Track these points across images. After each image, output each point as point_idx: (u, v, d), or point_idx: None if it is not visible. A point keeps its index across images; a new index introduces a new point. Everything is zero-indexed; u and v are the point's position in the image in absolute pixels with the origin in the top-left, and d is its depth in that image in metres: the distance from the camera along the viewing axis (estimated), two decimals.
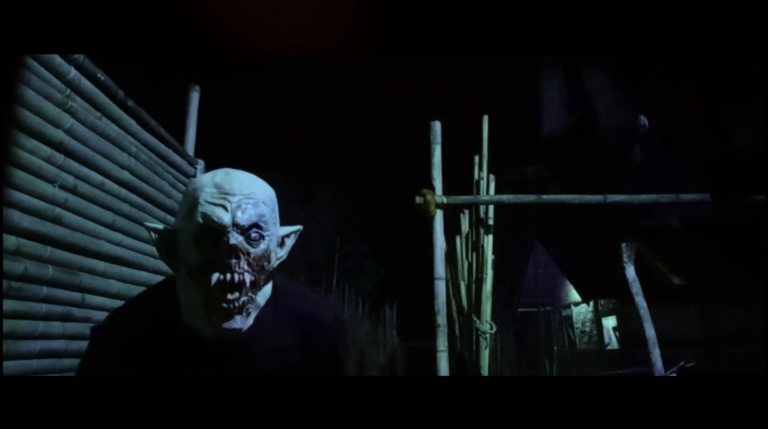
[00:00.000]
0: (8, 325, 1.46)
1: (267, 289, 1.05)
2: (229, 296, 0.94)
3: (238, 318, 0.96)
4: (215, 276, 0.93)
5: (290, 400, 0.73)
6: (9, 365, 1.47)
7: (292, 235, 1.12)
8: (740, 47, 1.12)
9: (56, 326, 1.69)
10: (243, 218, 0.96)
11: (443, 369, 3.16)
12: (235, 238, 0.95)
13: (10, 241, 1.48)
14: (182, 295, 1.02)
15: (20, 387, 0.73)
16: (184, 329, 1.01)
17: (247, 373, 0.98)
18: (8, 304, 1.46)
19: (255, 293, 0.99)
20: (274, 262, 1.05)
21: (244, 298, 0.96)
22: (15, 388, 0.72)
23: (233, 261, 0.94)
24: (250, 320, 1.01)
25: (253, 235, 0.98)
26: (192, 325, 1.01)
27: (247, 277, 0.96)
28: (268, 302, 1.06)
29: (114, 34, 0.98)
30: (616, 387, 0.82)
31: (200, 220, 0.95)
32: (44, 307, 1.63)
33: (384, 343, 13.57)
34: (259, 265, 0.99)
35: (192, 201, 0.98)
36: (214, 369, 0.98)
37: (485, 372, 3.47)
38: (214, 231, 0.95)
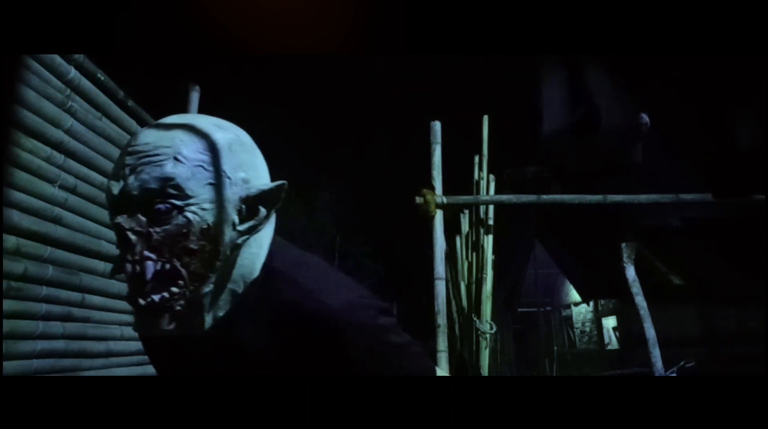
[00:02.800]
0: (8, 325, 1.47)
1: (250, 269, 0.79)
2: (133, 292, 0.72)
3: (162, 318, 0.73)
4: (128, 265, 0.71)
5: (288, 400, 0.73)
6: (9, 365, 1.47)
7: (272, 197, 0.80)
8: (740, 47, 1.13)
9: (56, 326, 1.69)
10: (133, 185, 0.71)
11: (443, 369, 3.17)
12: (122, 217, 0.71)
13: (10, 241, 1.48)
14: None
15: (20, 387, 0.73)
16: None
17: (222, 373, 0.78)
18: (8, 304, 1.46)
19: (192, 285, 0.73)
20: (231, 238, 0.75)
21: (161, 295, 0.71)
22: (15, 388, 0.72)
23: (126, 246, 0.71)
24: (209, 318, 0.76)
25: (159, 206, 0.71)
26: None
27: (149, 267, 0.70)
28: (254, 283, 0.79)
29: (114, 34, 0.97)
30: (616, 387, 0.82)
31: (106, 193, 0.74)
32: (44, 307, 1.63)
33: None
34: (175, 247, 0.71)
35: (116, 163, 0.77)
36: (205, 358, 0.79)
37: (485, 372, 3.47)
38: (112, 208, 0.73)
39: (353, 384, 0.77)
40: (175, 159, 0.72)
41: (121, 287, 2.09)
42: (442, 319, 3.26)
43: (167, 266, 0.71)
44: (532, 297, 13.98)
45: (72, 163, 1.77)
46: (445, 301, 3.33)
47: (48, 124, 1.63)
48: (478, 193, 3.73)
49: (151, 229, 0.71)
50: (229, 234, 0.75)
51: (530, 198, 3.76)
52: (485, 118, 3.81)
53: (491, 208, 3.72)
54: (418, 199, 3.39)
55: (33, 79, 1.57)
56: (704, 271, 12.10)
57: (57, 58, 1.67)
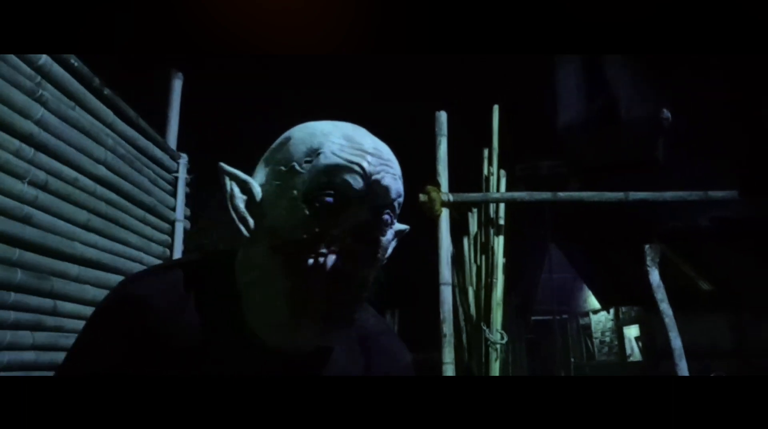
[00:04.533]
0: None
1: None
2: (342, 296, 0.73)
3: (334, 330, 0.75)
4: (331, 259, 0.71)
5: (289, 401, 0.74)
6: None
7: (396, 238, 0.87)
8: (740, 47, 1.16)
9: (25, 336, 1.70)
10: (382, 189, 0.75)
11: None
12: (367, 213, 0.74)
13: None
14: (251, 278, 0.79)
15: (20, 387, 0.74)
16: (237, 329, 0.79)
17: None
18: None
19: (363, 301, 0.78)
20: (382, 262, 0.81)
21: (362, 296, 0.76)
22: (14, 388, 0.74)
23: (362, 244, 0.73)
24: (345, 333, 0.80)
25: (386, 217, 0.76)
26: (256, 325, 0.79)
27: (370, 274, 0.76)
28: None
29: (114, 34, 1.00)
30: (616, 387, 0.84)
31: (325, 176, 0.73)
32: (12, 315, 1.63)
33: None
34: (380, 258, 0.77)
35: (307, 149, 0.76)
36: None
37: None
38: (341, 195, 0.73)
39: (354, 384, 0.79)
40: (401, 178, 0.79)
41: (97, 293, 2.09)
42: (448, 329, 3.26)
43: (368, 274, 0.76)
44: (547, 304, 14.01)
45: (43, 157, 1.77)
46: (451, 308, 3.33)
47: (16, 115, 1.63)
48: (487, 190, 3.73)
49: (379, 235, 0.76)
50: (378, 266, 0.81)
51: (545, 195, 3.76)
52: (495, 107, 3.81)
53: (502, 206, 3.72)
54: (422, 197, 3.39)
55: (0, 65, 1.57)
56: (736, 276, 12.11)
57: None
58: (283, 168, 0.77)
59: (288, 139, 0.80)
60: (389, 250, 0.83)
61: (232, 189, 0.79)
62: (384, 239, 0.77)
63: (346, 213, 0.73)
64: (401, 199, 0.79)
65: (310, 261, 0.72)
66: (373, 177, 0.74)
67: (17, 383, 0.80)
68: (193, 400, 0.74)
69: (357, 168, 0.74)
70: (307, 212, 0.73)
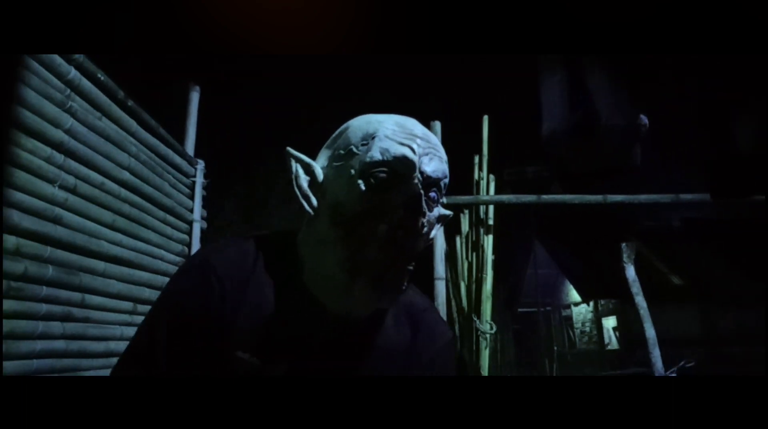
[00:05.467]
0: (8, 325, 1.47)
1: None
2: (390, 261, 0.74)
3: (387, 293, 0.77)
4: (384, 229, 0.73)
5: (290, 400, 0.73)
6: (9, 365, 1.47)
7: (440, 223, 0.88)
8: (740, 47, 1.13)
9: (56, 326, 1.69)
10: (430, 168, 0.77)
11: None
12: (420, 188, 0.76)
13: (10, 241, 1.48)
14: (313, 249, 0.81)
15: (20, 387, 0.73)
16: (301, 295, 0.81)
17: (345, 360, 0.81)
18: (8, 304, 1.46)
19: (411, 272, 0.79)
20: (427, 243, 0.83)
21: (409, 268, 0.77)
22: (15, 388, 0.72)
23: (417, 215, 0.74)
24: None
25: (433, 194, 0.79)
26: (316, 290, 0.81)
27: (419, 245, 0.77)
28: None
29: (114, 34, 0.97)
30: (616, 387, 0.82)
31: (379, 154, 0.76)
32: (44, 307, 1.63)
33: None
34: (428, 233, 0.79)
35: (364, 134, 0.79)
36: (317, 349, 0.80)
37: (485, 372, 3.47)
38: (395, 172, 0.76)
39: (352, 384, 0.77)
40: (446, 163, 0.82)
41: (121, 287, 2.09)
42: None
43: (418, 248, 0.77)
44: (532, 297, 13.98)
45: (72, 163, 1.77)
46: (444, 301, 3.33)
47: (48, 124, 1.63)
48: (478, 193, 3.73)
49: (426, 211, 0.77)
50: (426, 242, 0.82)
51: (530, 198, 3.76)
52: (485, 118, 3.81)
53: (491, 208, 3.71)
54: None
55: (33, 79, 1.57)
56: (704, 271, 12.10)
57: (57, 58, 1.67)
58: (342, 151, 0.81)
59: (347, 127, 0.84)
60: (434, 232, 0.84)
61: (296, 170, 0.83)
62: (431, 215, 0.78)
63: (398, 188, 0.75)
64: (446, 181, 0.81)
65: (366, 231, 0.74)
66: (422, 157, 0.77)
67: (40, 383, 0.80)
68: (194, 400, 0.73)
69: (408, 149, 0.77)
70: (363, 188, 0.76)
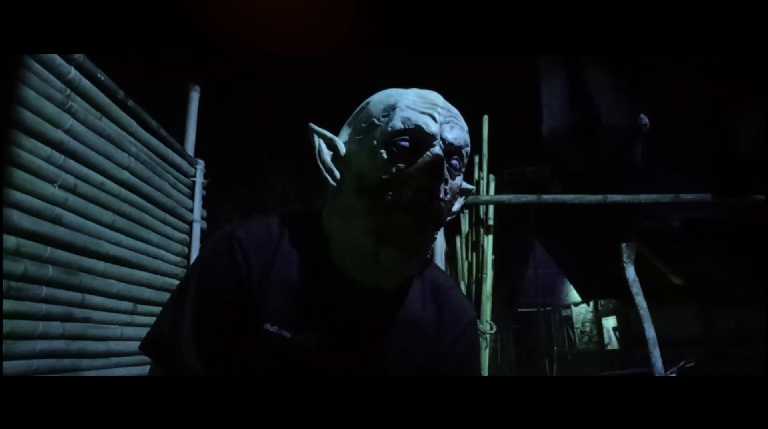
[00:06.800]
0: (8, 325, 1.47)
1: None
2: (416, 226, 0.75)
3: (414, 258, 0.77)
4: (408, 194, 0.74)
5: (290, 400, 0.73)
6: (9, 365, 1.47)
7: (463, 197, 0.89)
8: (740, 47, 1.13)
9: (56, 326, 1.69)
10: (451, 136, 0.78)
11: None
12: (441, 151, 0.77)
13: (10, 241, 1.48)
14: (338, 222, 0.82)
15: (20, 387, 0.73)
16: (327, 268, 0.82)
17: (373, 335, 0.81)
18: (8, 304, 1.46)
19: (435, 239, 0.80)
20: (450, 215, 0.84)
21: (434, 235, 0.78)
22: (15, 388, 0.72)
23: (438, 180, 0.75)
24: (414, 278, 0.84)
25: (455, 162, 0.80)
26: (342, 262, 0.81)
27: (444, 208, 0.77)
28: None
29: (114, 34, 0.97)
30: (616, 387, 0.81)
31: (400, 124, 0.77)
32: (44, 307, 1.63)
33: None
34: (450, 201, 0.80)
35: (384, 106, 0.81)
36: (346, 323, 0.80)
37: (485, 372, 3.47)
38: (416, 140, 0.77)
39: (352, 384, 0.77)
40: (468, 133, 0.83)
41: (121, 287, 2.09)
42: None
43: (442, 214, 0.78)
44: (532, 297, 13.98)
45: (72, 163, 1.77)
46: None
47: (48, 124, 1.63)
48: (478, 193, 3.73)
49: (449, 178, 0.78)
50: (452, 208, 0.83)
51: (530, 198, 3.76)
52: (485, 118, 3.81)
53: (491, 208, 3.71)
54: None
55: (33, 79, 1.57)
56: (704, 271, 12.09)
57: (57, 58, 1.67)
58: (363, 124, 0.83)
59: (368, 102, 0.86)
60: (457, 205, 0.86)
61: (320, 145, 0.85)
62: (453, 184, 0.80)
63: (420, 155, 0.76)
64: (468, 149, 0.82)
65: (390, 197, 0.75)
66: (443, 125, 0.79)
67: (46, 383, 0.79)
68: (196, 400, 0.73)
69: (429, 117, 0.78)
70: (386, 156, 0.77)
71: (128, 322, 2.14)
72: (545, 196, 3.78)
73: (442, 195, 0.76)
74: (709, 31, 1.11)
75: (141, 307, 2.23)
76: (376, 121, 0.81)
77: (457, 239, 3.81)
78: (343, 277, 0.81)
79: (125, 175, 2.12)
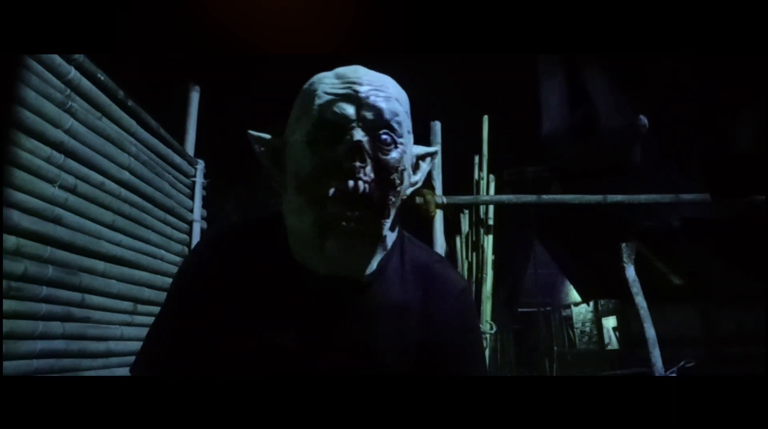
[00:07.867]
0: (8, 325, 1.47)
1: (394, 233, 0.86)
2: (350, 212, 0.73)
3: (358, 244, 0.76)
4: (342, 183, 0.73)
5: (287, 399, 0.73)
6: (9, 365, 1.47)
7: (428, 159, 0.88)
8: (740, 47, 1.12)
9: (56, 326, 1.69)
10: (371, 113, 0.76)
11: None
12: (361, 135, 0.74)
13: (10, 241, 1.48)
14: (290, 220, 0.82)
15: (20, 387, 0.73)
16: (292, 266, 0.82)
17: (355, 326, 0.81)
18: (8, 304, 1.46)
19: (382, 220, 0.77)
20: (407, 186, 0.82)
21: (381, 217, 0.77)
22: (15, 388, 0.72)
23: (357, 164, 0.73)
24: (374, 262, 0.81)
25: (384, 136, 0.76)
26: (303, 259, 0.81)
27: (374, 189, 0.75)
28: (394, 248, 0.86)
29: (114, 34, 0.97)
30: (616, 387, 0.81)
31: (317, 113, 0.76)
32: (44, 307, 1.63)
33: None
34: (389, 178, 0.77)
35: (307, 97, 0.79)
36: (323, 319, 0.80)
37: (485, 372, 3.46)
38: (335, 126, 0.75)
39: (352, 383, 0.77)
40: (396, 100, 0.79)
41: (121, 287, 2.09)
42: None
43: (381, 193, 0.76)
44: (532, 297, 13.97)
45: (72, 163, 1.77)
46: None
47: (48, 124, 1.63)
48: (478, 193, 3.73)
49: (379, 155, 0.76)
50: (406, 180, 0.81)
51: (530, 198, 3.76)
52: (485, 118, 3.81)
53: (491, 208, 3.71)
54: (418, 199, 3.38)
55: (33, 79, 1.57)
56: (704, 271, 12.10)
57: (57, 58, 1.67)
58: (293, 121, 0.82)
59: (297, 99, 0.84)
60: (419, 175, 0.85)
61: (258, 151, 0.85)
62: (390, 158, 0.77)
63: (343, 139, 0.74)
64: (399, 119, 0.78)
65: (324, 189, 0.74)
66: (363, 101, 0.76)
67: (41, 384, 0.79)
68: (196, 400, 0.73)
69: (344, 100, 0.76)
70: (310, 149, 0.76)
71: (128, 322, 2.14)
72: (545, 196, 3.78)
73: (367, 177, 0.74)
74: (709, 31, 1.11)
75: (141, 307, 2.23)
76: (299, 115, 0.80)
77: (457, 239, 3.81)
78: (309, 273, 0.81)
79: (125, 175, 2.12)
